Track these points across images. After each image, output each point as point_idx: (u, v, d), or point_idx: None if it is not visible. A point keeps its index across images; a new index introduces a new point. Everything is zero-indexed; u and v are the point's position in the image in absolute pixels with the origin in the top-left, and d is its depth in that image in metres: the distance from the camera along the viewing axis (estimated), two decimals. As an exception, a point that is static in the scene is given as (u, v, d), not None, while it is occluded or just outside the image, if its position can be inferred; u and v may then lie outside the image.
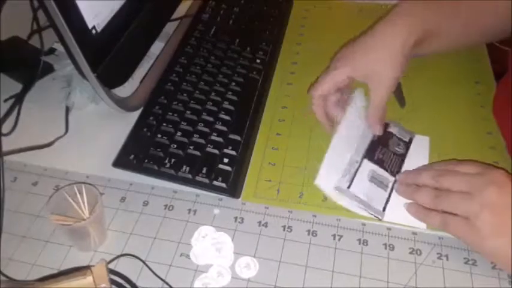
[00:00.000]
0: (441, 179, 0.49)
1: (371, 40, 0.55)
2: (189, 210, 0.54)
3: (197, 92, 0.64)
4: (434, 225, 0.50)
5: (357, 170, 0.54)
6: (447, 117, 0.63)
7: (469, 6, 0.56)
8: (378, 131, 0.57)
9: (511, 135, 0.58)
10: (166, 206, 0.55)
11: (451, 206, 0.47)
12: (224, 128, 0.59)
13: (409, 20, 0.54)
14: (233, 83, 0.65)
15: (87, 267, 0.45)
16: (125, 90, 0.65)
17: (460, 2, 0.56)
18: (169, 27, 0.76)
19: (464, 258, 0.49)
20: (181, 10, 0.78)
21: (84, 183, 0.52)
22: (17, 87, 0.68)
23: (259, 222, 0.53)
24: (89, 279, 0.44)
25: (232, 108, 0.62)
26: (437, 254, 0.50)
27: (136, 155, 0.56)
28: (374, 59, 0.54)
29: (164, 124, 0.59)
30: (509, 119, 0.58)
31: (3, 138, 0.57)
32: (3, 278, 0.48)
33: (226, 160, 0.56)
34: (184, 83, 0.64)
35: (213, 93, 0.63)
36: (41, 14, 0.69)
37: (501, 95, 0.62)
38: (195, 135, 0.58)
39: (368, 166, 0.55)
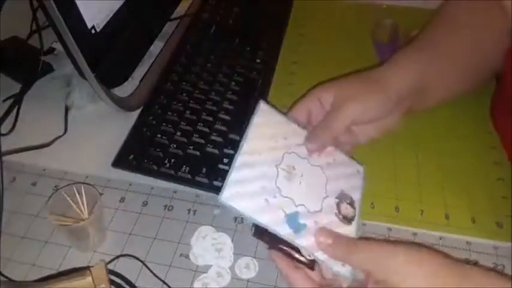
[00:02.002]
0: None
1: (364, 77, 0.50)
2: (189, 210, 0.54)
3: (197, 91, 0.63)
4: None
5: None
6: (449, 126, 0.63)
7: (466, 51, 0.53)
8: (311, 147, 0.47)
9: (510, 143, 0.57)
10: (165, 206, 0.55)
11: None
12: (224, 128, 0.59)
13: (409, 70, 0.50)
14: (233, 83, 0.65)
15: (86, 268, 0.45)
16: (124, 90, 0.64)
17: (456, 47, 0.52)
18: (169, 27, 0.76)
19: (466, 259, 0.49)
20: (181, 9, 0.78)
21: (83, 183, 0.52)
22: (16, 87, 0.68)
23: (259, 223, 0.53)
24: (88, 280, 0.43)
25: (232, 108, 0.62)
26: (438, 254, 0.50)
27: (135, 155, 0.56)
28: (360, 88, 0.49)
29: (164, 124, 0.59)
30: (509, 127, 0.57)
31: (2, 138, 0.57)
32: (2, 278, 0.48)
33: (226, 160, 0.56)
34: (184, 83, 0.64)
35: (213, 93, 0.63)
36: (40, 14, 0.69)
37: (498, 104, 0.62)
38: (194, 135, 0.58)
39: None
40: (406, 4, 0.81)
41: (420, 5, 0.80)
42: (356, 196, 0.48)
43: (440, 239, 0.51)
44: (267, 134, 0.47)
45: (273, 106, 0.49)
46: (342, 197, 0.47)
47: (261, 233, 0.43)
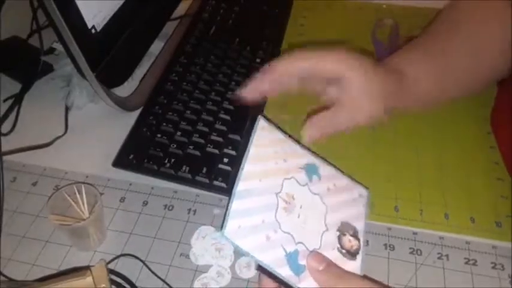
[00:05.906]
0: None
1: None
2: (189, 210, 0.54)
3: (197, 91, 0.63)
4: None
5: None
6: (449, 130, 0.63)
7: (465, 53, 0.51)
8: (308, 137, 0.45)
9: (509, 150, 0.57)
10: (166, 206, 0.55)
11: None
12: (224, 128, 0.59)
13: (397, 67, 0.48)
14: (233, 83, 0.65)
15: (86, 268, 0.45)
16: (124, 90, 0.64)
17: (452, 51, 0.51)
18: (169, 27, 0.76)
19: (465, 258, 0.49)
20: (181, 9, 0.78)
21: (83, 183, 0.52)
22: (16, 86, 0.68)
23: (259, 222, 0.53)
24: (88, 280, 0.44)
25: (232, 108, 0.62)
26: (438, 254, 0.50)
27: (136, 154, 0.56)
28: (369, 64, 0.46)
29: (164, 124, 0.59)
30: (509, 133, 0.57)
31: (2, 138, 0.57)
32: (2, 278, 0.48)
33: (226, 160, 0.56)
34: (184, 83, 0.64)
35: (213, 93, 0.63)
36: (40, 14, 0.69)
37: (499, 110, 0.61)
38: (194, 135, 0.58)
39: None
40: (407, 4, 0.81)
41: (421, 4, 0.80)
42: (359, 225, 0.44)
43: (440, 238, 0.51)
44: (267, 155, 0.43)
45: (272, 122, 0.46)
46: (344, 229, 0.43)
47: (263, 268, 0.39)
